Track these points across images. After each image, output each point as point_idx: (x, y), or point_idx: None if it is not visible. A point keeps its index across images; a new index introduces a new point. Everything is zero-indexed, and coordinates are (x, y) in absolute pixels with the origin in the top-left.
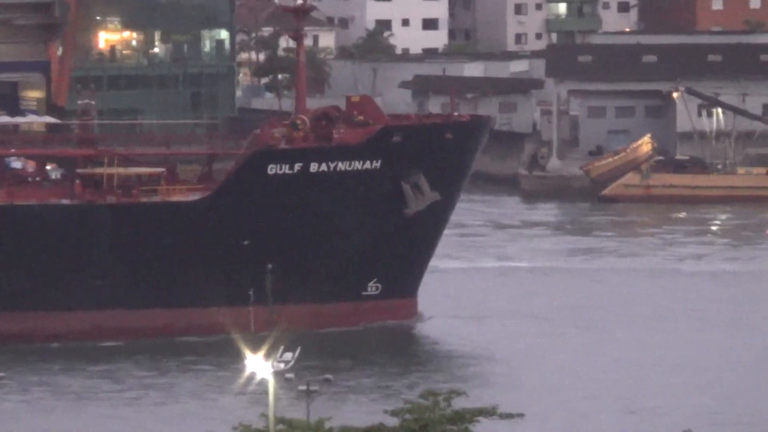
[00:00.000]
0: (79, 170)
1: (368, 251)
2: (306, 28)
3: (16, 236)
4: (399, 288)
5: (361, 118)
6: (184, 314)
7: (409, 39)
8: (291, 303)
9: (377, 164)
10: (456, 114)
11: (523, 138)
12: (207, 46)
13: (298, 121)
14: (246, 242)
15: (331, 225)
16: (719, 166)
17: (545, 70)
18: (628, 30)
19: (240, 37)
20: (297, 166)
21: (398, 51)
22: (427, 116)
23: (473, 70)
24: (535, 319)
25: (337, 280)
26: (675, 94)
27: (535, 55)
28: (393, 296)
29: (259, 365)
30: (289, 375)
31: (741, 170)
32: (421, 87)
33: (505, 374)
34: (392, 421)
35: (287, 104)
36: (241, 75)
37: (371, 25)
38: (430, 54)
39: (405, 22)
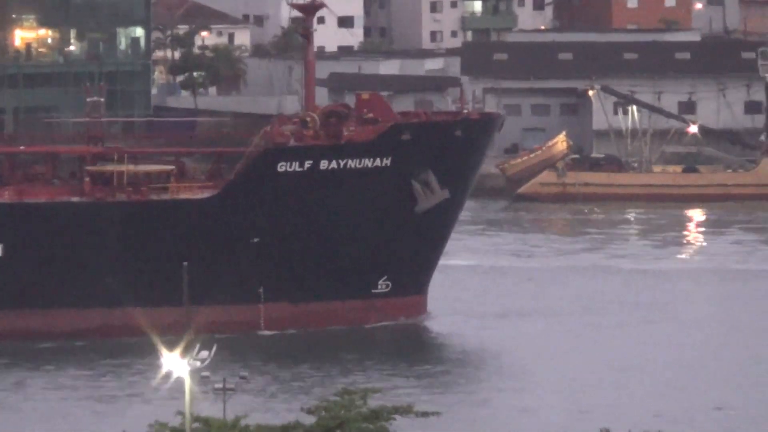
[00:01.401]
0: (88, 167)
1: (378, 249)
2: (221, 26)
3: (26, 234)
4: (409, 285)
5: (370, 115)
6: (194, 312)
7: (324, 37)
8: (302, 301)
9: (387, 162)
10: (465, 111)
11: None
12: (122, 44)
13: (308, 119)
14: (256, 240)
15: (341, 222)
16: (635, 165)
17: (460, 68)
18: (543, 28)
19: (155, 34)
20: (307, 164)
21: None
22: (436, 113)
23: (389, 67)
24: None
25: (347, 277)
26: (590, 92)
27: (450, 53)
28: (403, 294)
29: (175, 363)
30: (206, 373)
31: (657, 168)
32: (337, 85)
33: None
34: (308, 419)
35: (203, 102)
36: (156, 73)
37: (286, 23)
38: (345, 52)
39: (320, 20)
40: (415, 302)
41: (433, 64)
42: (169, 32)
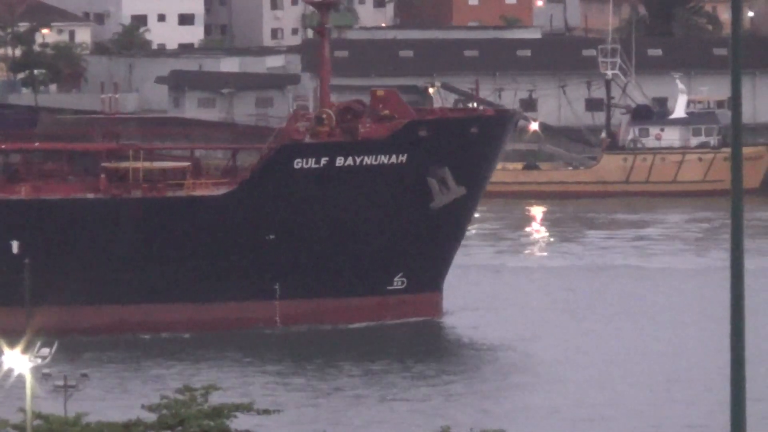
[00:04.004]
0: (104, 164)
1: (394, 246)
2: (62, 24)
3: (42, 231)
4: (424, 282)
5: (386, 112)
6: (209, 309)
7: (165, 34)
8: (317, 298)
9: (403, 159)
10: (481, 108)
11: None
12: None
13: (324, 116)
14: (271, 236)
15: (357, 219)
16: None
17: (301, 65)
18: (384, 25)
19: None
20: (323, 161)
21: (154, 46)
22: (452, 110)
23: (229, 65)
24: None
25: (362, 274)
26: (431, 90)
27: (291, 50)
28: (418, 291)
29: (16, 360)
30: (47, 370)
31: (497, 165)
32: (178, 82)
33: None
34: (150, 417)
35: (44, 100)
36: None
37: (127, 21)
38: (186, 49)
39: (161, 18)
40: (430, 299)
41: (274, 62)
42: (9, 30)
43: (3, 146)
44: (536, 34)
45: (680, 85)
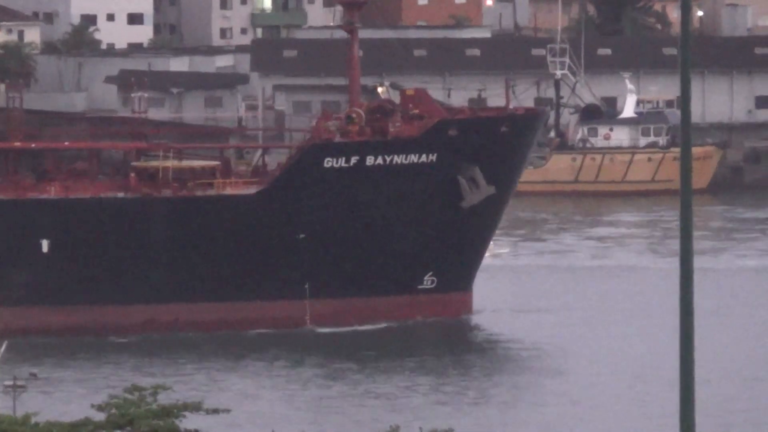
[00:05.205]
0: (134, 163)
1: (424, 245)
2: (11, 23)
3: (71, 230)
4: (454, 282)
5: (416, 111)
6: (240, 308)
7: (114, 34)
8: (347, 297)
9: (433, 158)
10: (511, 107)
11: (228, 133)
12: None
13: (354, 115)
14: (302, 235)
15: (387, 218)
16: None
17: (250, 64)
18: (333, 24)
19: None
20: (353, 160)
21: (103, 46)
22: (482, 109)
23: (179, 64)
24: None
25: (392, 273)
26: (380, 89)
27: (240, 49)
28: (448, 290)
29: None
30: None
31: None
32: (127, 82)
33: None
34: (99, 416)
35: None
36: None
37: (76, 20)
38: (135, 49)
39: (110, 17)
40: (460, 298)
41: (223, 61)
42: None
43: (33, 145)
44: (485, 34)
45: (629, 85)
